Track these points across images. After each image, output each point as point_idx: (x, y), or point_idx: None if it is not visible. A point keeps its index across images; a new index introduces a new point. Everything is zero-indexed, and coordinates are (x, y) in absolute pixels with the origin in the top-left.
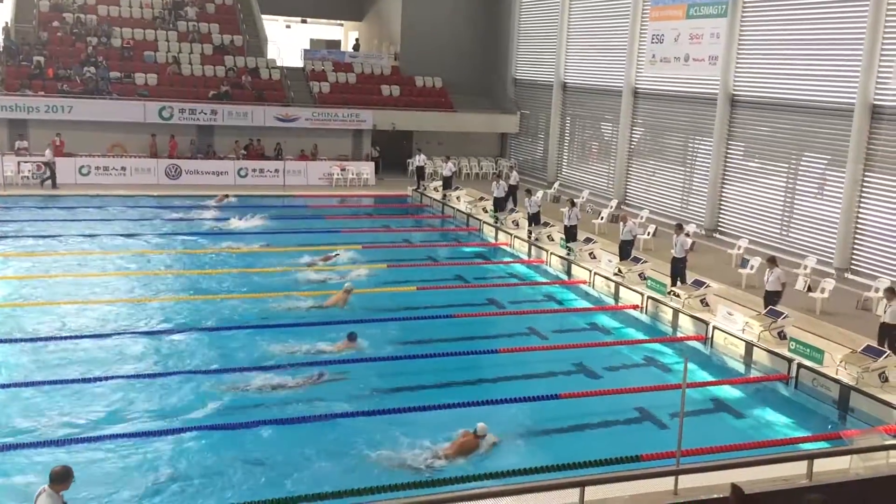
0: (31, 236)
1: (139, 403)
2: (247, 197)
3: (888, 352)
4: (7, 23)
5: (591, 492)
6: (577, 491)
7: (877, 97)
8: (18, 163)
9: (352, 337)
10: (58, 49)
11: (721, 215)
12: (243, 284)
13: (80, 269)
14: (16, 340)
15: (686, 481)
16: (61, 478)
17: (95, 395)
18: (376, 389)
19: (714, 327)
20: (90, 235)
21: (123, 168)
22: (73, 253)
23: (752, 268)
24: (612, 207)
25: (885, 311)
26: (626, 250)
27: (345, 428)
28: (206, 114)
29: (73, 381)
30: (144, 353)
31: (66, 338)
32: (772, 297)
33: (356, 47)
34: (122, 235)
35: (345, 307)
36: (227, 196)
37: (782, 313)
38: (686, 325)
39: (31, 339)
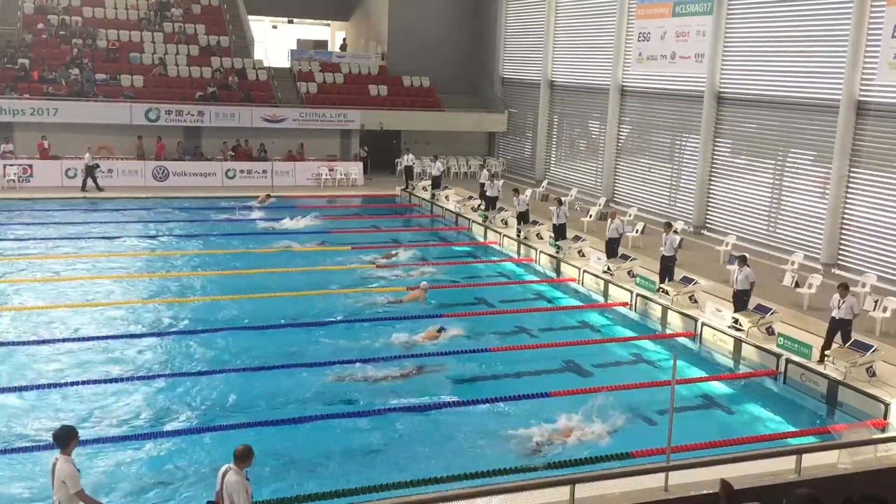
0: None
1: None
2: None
3: (875, 346)
4: None
5: (582, 489)
6: (567, 489)
7: (862, 93)
8: (4, 166)
9: (440, 330)
10: (43, 51)
11: (708, 212)
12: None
13: (150, 270)
14: (100, 338)
15: (676, 477)
16: (244, 456)
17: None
18: (369, 389)
19: (703, 324)
20: (150, 237)
21: (110, 170)
22: (137, 254)
23: None
24: (600, 205)
25: (838, 307)
26: (612, 248)
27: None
28: (193, 115)
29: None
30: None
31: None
32: (740, 297)
33: (343, 47)
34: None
35: (423, 303)
36: (269, 196)
37: (770, 309)
38: (675, 322)
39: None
